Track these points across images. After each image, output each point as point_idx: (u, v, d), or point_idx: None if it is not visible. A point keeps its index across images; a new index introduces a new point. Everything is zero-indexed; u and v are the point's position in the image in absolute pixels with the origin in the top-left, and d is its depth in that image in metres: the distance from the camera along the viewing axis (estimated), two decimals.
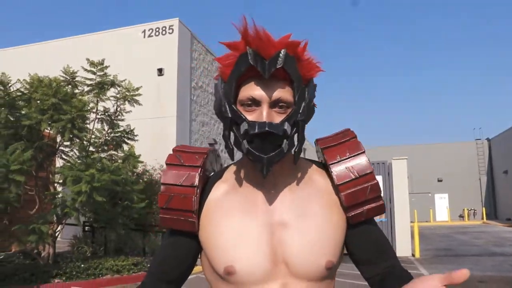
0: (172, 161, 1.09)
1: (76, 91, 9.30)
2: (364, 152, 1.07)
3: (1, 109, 7.84)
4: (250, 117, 0.99)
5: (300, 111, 1.00)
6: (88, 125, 9.11)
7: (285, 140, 0.98)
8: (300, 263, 1.00)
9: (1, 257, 7.68)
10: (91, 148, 9.21)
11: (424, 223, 30.67)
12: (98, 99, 9.47)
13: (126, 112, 10.04)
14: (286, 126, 0.97)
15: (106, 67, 9.52)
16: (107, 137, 9.68)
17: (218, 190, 1.10)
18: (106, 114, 9.77)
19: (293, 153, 1.05)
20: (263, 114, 0.98)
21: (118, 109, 9.97)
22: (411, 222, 13.53)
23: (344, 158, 1.07)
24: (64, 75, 9.23)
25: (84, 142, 9.00)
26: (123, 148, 9.91)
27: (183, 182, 1.05)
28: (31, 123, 7.83)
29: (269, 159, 0.96)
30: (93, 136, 9.45)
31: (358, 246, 1.08)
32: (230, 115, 1.00)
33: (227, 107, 1.01)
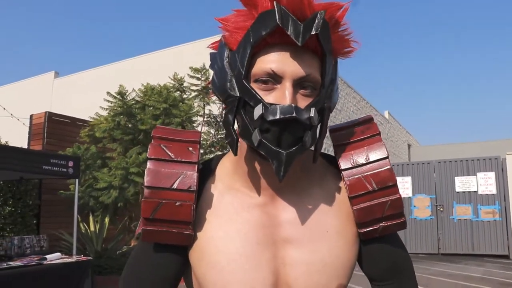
0: (158, 154, 0.85)
1: (184, 96, 9.91)
2: (388, 157, 0.87)
3: (121, 117, 8.63)
4: (266, 98, 0.77)
5: (328, 96, 0.81)
6: (197, 128, 9.68)
7: (308, 132, 0.77)
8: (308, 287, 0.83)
9: (124, 250, 8.44)
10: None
11: None
12: (205, 103, 10.01)
13: None
14: (313, 113, 0.76)
15: (208, 70, 9.98)
16: (213, 139, 10.20)
17: (212, 191, 0.89)
18: (212, 117, 10.28)
19: (312, 148, 0.83)
20: (285, 95, 0.75)
21: (223, 111, 10.36)
22: None
23: (362, 163, 0.87)
24: (173, 82, 9.89)
25: None
26: (228, 149, 10.29)
27: (177, 186, 0.82)
28: (146, 128, 8.51)
29: (289, 156, 0.75)
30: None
31: (369, 264, 0.91)
32: (238, 94, 0.78)
33: (234, 82, 0.79)
